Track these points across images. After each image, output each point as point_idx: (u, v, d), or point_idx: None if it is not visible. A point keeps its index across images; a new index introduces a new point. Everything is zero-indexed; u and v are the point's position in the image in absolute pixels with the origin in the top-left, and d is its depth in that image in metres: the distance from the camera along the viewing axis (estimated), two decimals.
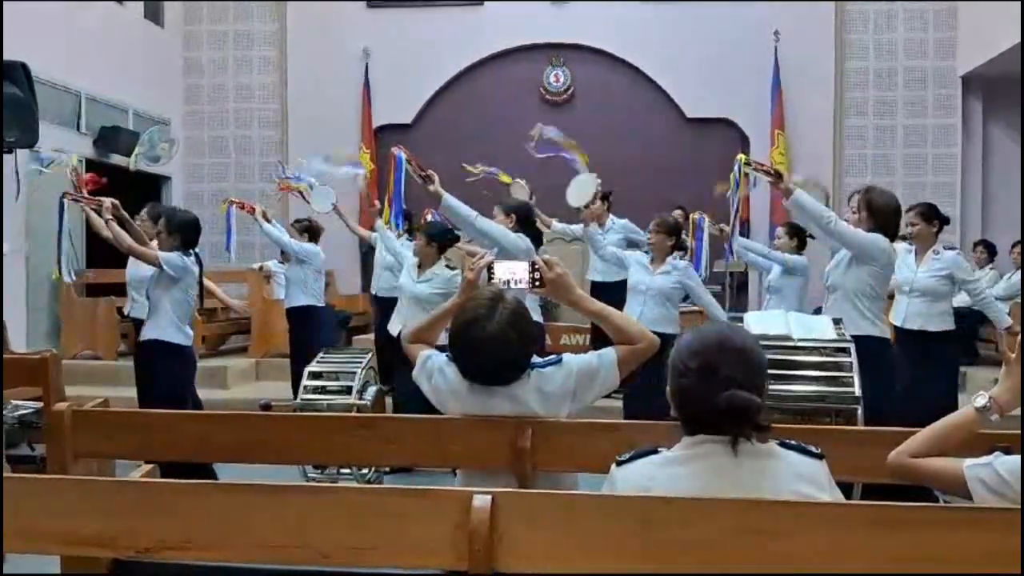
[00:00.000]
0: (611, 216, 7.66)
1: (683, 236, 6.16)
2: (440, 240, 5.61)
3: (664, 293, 5.59)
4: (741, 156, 4.86)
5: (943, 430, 1.99)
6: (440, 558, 1.66)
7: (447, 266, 5.57)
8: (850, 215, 4.44)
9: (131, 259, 6.09)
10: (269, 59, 11.15)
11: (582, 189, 6.08)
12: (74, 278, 6.35)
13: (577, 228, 7.25)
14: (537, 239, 5.26)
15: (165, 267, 4.72)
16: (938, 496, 3.46)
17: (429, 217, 6.29)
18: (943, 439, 1.97)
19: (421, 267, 5.59)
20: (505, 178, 6.92)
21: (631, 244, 7.37)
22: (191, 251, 4.86)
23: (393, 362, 5.59)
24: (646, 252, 5.88)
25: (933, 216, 5.17)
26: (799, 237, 6.37)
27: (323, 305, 6.98)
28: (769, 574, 1.57)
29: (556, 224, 7.50)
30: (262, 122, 11.19)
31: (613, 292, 6.40)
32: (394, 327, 5.58)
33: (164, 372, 4.78)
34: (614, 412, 5.23)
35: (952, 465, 1.88)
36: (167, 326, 4.77)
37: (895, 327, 5.08)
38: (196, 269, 4.87)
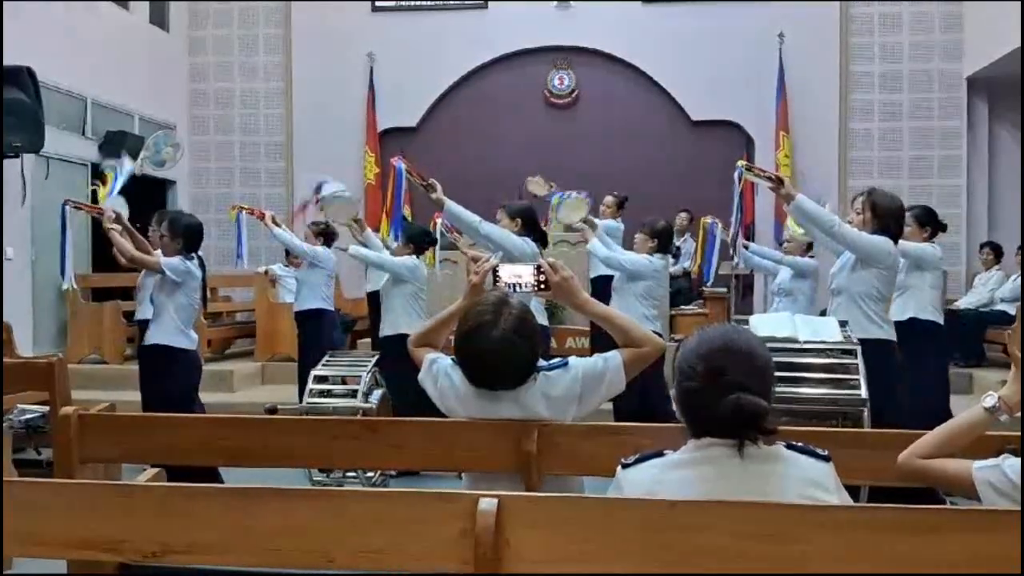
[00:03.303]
0: (619, 220, 7.74)
1: (673, 241, 6.29)
2: (418, 242, 5.83)
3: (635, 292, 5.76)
4: (741, 161, 4.84)
5: (952, 431, 1.98)
6: (446, 561, 1.66)
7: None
8: (854, 217, 4.41)
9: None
10: (274, 64, 11.18)
11: (575, 209, 6.65)
12: (75, 285, 6.38)
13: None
14: (542, 241, 5.28)
15: (167, 272, 4.73)
16: (944, 498, 3.46)
17: (439, 221, 6.32)
18: (952, 440, 1.97)
19: None
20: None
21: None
22: (194, 255, 4.87)
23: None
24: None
25: (926, 222, 5.20)
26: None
27: (333, 309, 6.99)
28: None
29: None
30: (267, 127, 11.22)
31: (607, 285, 6.44)
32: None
33: (169, 376, 4.78)
34: None
35: (961, 466, 1.88)
36: (171, 330, 4.77)
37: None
38: (199, 273, 4.88)
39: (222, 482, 4.19)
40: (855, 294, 4.25)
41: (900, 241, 4.45)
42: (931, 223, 5.20)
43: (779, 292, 6.57)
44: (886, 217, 4.27)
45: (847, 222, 4.40)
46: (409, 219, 9.24)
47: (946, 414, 5.15)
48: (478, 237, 5.17)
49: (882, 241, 4.23)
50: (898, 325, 4.50)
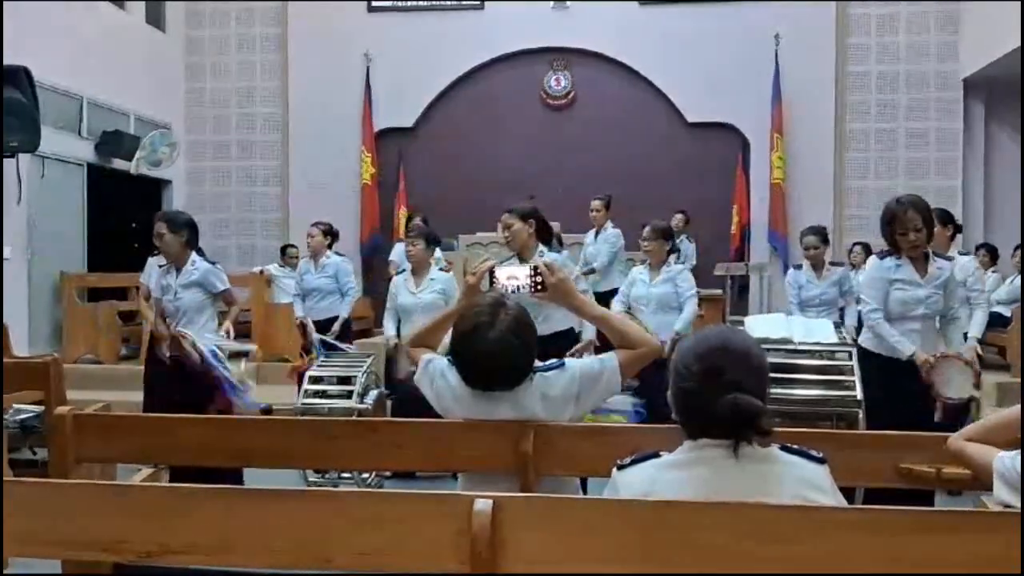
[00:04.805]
0: (610, 222, 7.70)
1: (676, 240, 6.16)
2: (435, 243, 5.87)
3: (663, 301, 5.61)
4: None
5: (998, 421, 2.03)
6: (442, 562, 1.66)
7: (440, 269, 5.74)
8: (918, 235, 3.96)
9: (149, 272, 6.21)
10: (271, 63, 11.18)
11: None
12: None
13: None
14: (549, 242, 5.25)
15: (229, 286, 4.96)
16: (933, 500, 3.48)
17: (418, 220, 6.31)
18: (996, 429, 2.02)
19: (416, 274, 5.64)
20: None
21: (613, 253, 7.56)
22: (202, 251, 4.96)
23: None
24: (642, 262, 5.90)
25: (948, 221, 5.07)
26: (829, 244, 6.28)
27: None
28: None
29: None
30: (264, 126, 11.22)
31: (605, 303, 6.39)
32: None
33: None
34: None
35: (988, 455, 1.92)
36: (210, 333, 4.84)
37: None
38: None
39: (243, 483, 4.19)
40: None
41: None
42: (952, 221, 5.14)
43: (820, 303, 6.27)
44: (932, 222, 4.06)
45: (913, 245, 4.01)
46: (409, 216, 9.25)
47: None
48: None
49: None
50: None
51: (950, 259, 4.24)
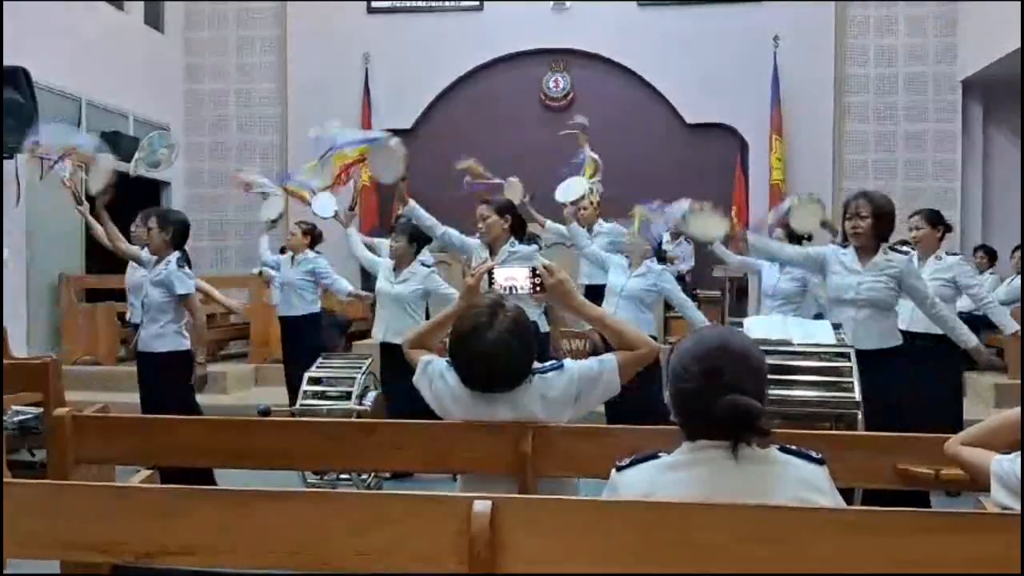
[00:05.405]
0: (600, 220, 7.69)
1: (662, 247, 6.19)
2: (419, 239, 5.78)
3: (636, 295, 5.57)
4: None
5: (995, 422, 2.03)
6: (441, 564, 1.66)
7: (423, 264, 5.73)
8: (860, 222, 4.19)
9: (130, 265, 6.21)
10: (270, 65, 11.17)
11: (572, 188, 6.38)
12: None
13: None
14: (521, 237, 5.28)
15: (192, 291, 4.84)
16: (930, 501, 3.48)
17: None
18: (995, 432, 2.01)
19: (398, 267, 5.67)
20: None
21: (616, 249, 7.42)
22: (184, 256, 4.89)
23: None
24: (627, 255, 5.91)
25: (938, 221, 5.20)
26: (796, 240, 6.27)
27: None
28: None
29: (549, 223, 7.37)
30: (263, 127, 11.22)
31: (598, 295, 6.38)
32: (377, 332, 5.74)
33: (176, 380, 4.80)
34: None
35: (986, 458, 1.92)
36: (172, 333, 4.80)
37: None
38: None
39: (215, 483, 4.20)
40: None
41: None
42: (942, 222, 5.23)
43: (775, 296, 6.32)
44: (887, 218, 4.20)
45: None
46: (399, 216, 9.22)
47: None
48: (439, 239, 5.54)
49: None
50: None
51: (906, 253, 4.48)
